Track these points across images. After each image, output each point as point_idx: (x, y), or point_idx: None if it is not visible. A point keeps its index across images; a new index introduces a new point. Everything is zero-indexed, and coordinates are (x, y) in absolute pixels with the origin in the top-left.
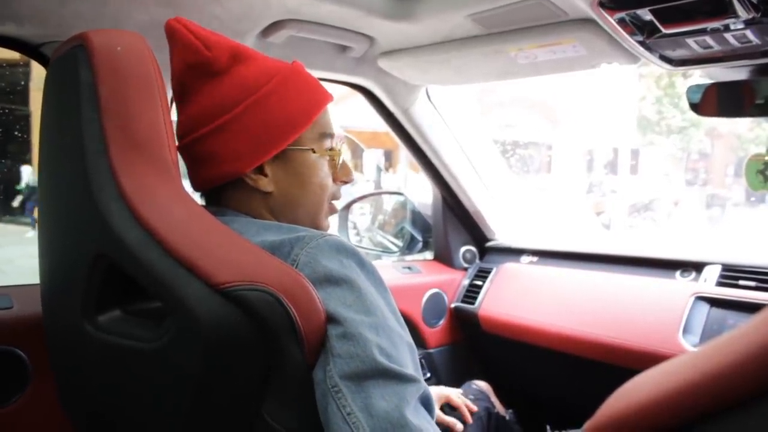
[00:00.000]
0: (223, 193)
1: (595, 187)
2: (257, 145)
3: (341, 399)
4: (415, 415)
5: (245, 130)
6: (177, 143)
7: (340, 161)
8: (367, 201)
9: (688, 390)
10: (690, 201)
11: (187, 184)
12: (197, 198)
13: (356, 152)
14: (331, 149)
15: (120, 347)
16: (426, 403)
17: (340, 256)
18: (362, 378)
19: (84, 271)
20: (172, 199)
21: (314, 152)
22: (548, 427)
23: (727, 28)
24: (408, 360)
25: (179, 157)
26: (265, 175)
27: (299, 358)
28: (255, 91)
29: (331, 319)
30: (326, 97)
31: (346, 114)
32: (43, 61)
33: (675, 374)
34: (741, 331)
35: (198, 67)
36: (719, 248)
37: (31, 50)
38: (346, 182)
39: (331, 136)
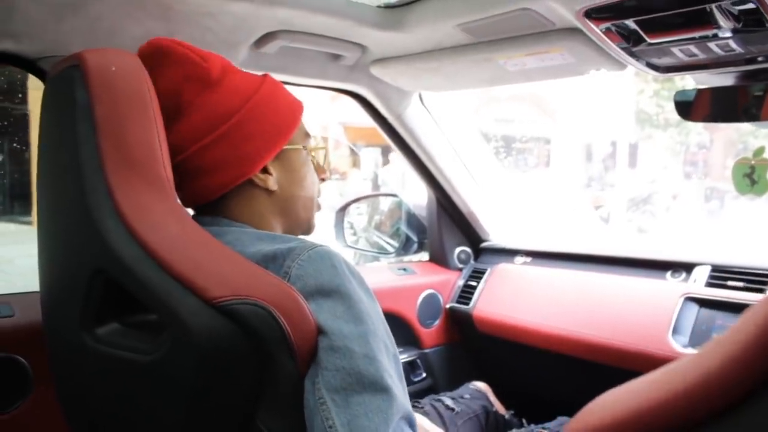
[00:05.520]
0: (222, 203)
1: (594, 181)
2: (261, 146)
3: (325, 412)
4: None
5: (250, 133)
6: (172, 160)
7: (324, 159)
8: (363, 202)
9: (658, 407)
10: (689, 194)
11: None
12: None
13: (353, 150)
14: (319, 146)
15: (118, 359)
16: (410, 423)
17: (330, 267)
18: (348, 392)
19: (83, 285)
20: (166, 216)
21: (305, 149)
22: (524, 421)
23: (710, 38)
24: (393, 371)
25: None
26: (270, 175)
27: (291, 369)
28: (251, 97)
29: (321, 331)
30: (302, 102)
31: (345, 111)
32: (41, 75)
33: (645, 391)
34: (708, 348)
35: (196, 78)
36: (709, 248)
37: (29, 65)
38: (323, 179)
39: (310, 136)
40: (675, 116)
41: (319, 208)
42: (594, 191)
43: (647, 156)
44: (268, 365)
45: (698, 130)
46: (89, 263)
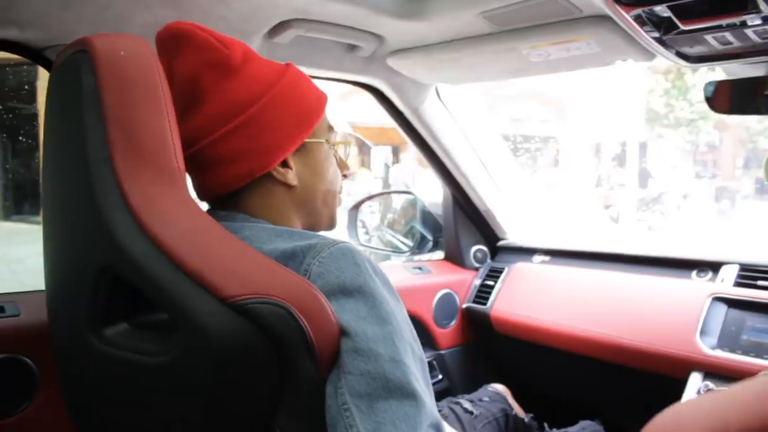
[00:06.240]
0: (239, 196)
1: (604, 180)
2: (282, 138)
3: (349, 418)
4: None
5: (270, 124)
6: (187, 150)
7: (347, 154)
8: (375, 200)
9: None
10: (699, 194)
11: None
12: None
13: (362, 149)
14: (342, 141)
15: (127, 361)
16: (438, 430)
17: (353, 265)
18: (373, 398)
19: (90, 283)
20: (178, 209)
21: (328, 143)
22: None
23: (747, 24)
24: (419, 374)
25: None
26: (291, 168)
27: (312, 372)
28: (272, 86)
29: (344, 332)
30: (325, 93)
31: (354, 110)
32: (47, 64)
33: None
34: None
35: (217, 64)
36: (736, 247)
37: (35, 54)
38: (346, 176)
39: (333, 130)
40: (685, 115)
41: (340, 203)
42: (604, 190)
43: (657, 155)
44: (287, 368)
45: (708, 129)
46: (96, 260)
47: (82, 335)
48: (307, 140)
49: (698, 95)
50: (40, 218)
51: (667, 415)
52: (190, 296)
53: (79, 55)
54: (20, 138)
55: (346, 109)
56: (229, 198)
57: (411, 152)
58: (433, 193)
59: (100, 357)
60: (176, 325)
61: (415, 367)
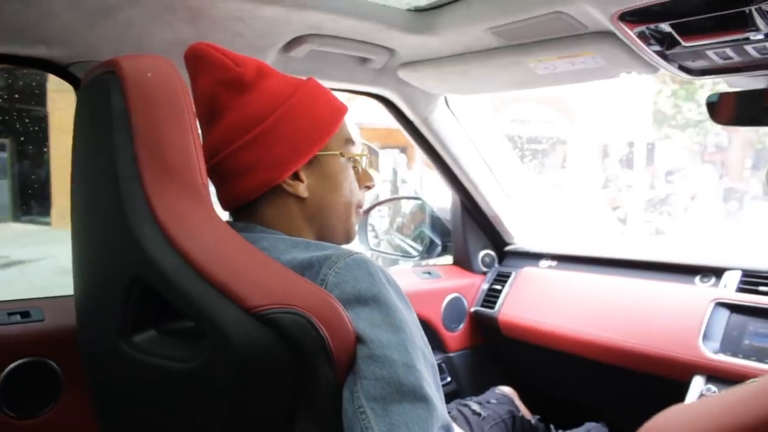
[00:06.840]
0: (256, 207)
1: (611, 182)
2: (293, 151)
3: (365, 421)
4: None
5: (281, 138)
6: (209, 162)
7: (364, 165)
8: (385, 205)
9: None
10: (707, 195)
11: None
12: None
13: (369, 151)
14: (358, 153)
15: (155, 367)
16: (448, 431)
17: (367, 275)
18: (387, 401)
19: (120, 293)
20: (203, 223)
21: (343, 156)
22: (552, 427)
23: (747, 40)
24: (430, 379)
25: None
26: (302, 181)
27: (331, 378)
28: (285, 101)
29: (360, 339)
30: (344, 106)
31: (360, 111)
32: (73, 81)
33: (732, 413)
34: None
35: (229, 82)
36: (739, 253)
37: (61, 71)
38: (369, 188)
39: (352, 142)
40: (693, 116)
41: (359, 215)
42: (611, 192)
43: (665, 156)
44: (307, 374)
45: (716, 130)
46: (127, 271)
47: (112, 341)
48: (319, 153)
49: (706, 97)
50: (48, 219)
51: (663, 417)
52: (217, 307)
53: (108, 76)
54: (29, 140)
55: (353, 110)
56: (246, 208)
57: (418, 155)
58: (445, 197)
59: (130, 362)
60: (203, 333)
61: (427, 372)
